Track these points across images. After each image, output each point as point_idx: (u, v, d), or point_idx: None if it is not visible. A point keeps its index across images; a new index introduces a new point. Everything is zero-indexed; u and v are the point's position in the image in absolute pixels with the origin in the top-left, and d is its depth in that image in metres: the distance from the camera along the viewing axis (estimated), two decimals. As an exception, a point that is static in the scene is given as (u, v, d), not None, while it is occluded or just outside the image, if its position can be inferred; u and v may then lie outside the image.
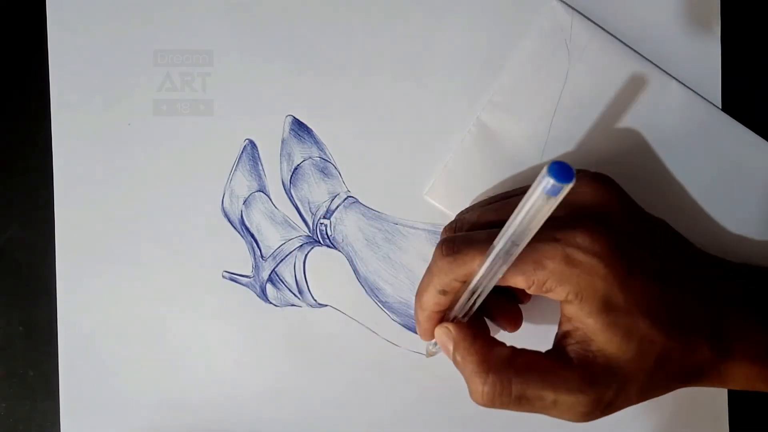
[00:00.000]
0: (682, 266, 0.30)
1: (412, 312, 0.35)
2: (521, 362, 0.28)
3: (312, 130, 0.36)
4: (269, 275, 0.36)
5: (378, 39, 0.36)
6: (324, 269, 0.36)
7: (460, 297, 0.29)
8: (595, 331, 0.27)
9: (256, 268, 0.36)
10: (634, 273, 0.27)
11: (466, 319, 0.30)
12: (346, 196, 0.36)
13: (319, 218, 0.36)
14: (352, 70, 0.36)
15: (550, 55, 0.35)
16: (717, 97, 0.35)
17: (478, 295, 0.28)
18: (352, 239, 0.36)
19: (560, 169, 0.22)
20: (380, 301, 0.36)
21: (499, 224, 0.26)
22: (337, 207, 0.36)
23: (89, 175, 0.36)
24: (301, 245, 0.36)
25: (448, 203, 0.35)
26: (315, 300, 0.36)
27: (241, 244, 0.36)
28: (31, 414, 0.36)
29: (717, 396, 0.35)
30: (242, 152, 0.36)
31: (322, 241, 0.36)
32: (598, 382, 0.27)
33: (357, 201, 0.36)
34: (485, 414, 0.35)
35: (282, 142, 0.36)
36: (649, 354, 0.27)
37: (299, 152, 0.36)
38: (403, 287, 0.35)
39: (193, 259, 0.36)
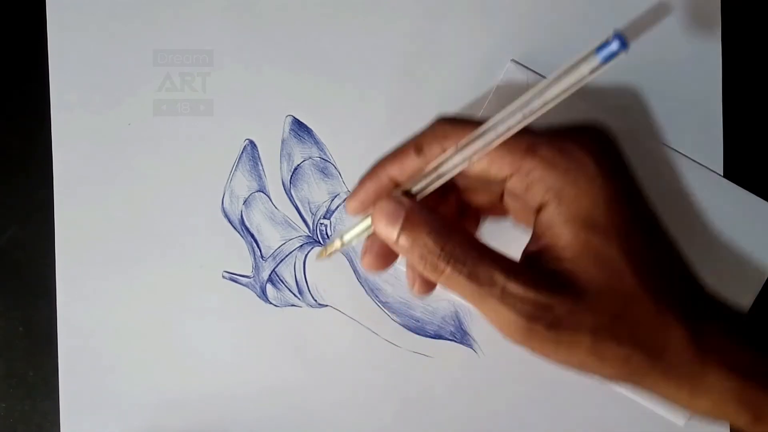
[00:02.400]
0: (670, 243, 0.28)
1: (413, 312, 0.35)
2: (481, 244, 0.26)
3: (312, 130, 0.36)
4: (269, 275, 0.36)
5: (378, 39, 0.36)
6: (324, 269, 0.36)
7: (426, 170, 0.27)
8: (566, 244, 0.25)
9: (256, 268, 0.36)
10: (624, 201, 0.25)
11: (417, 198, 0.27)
12: (346, 197, 0.36)
13: (319, 218, 0.36)
14: (352, 70, 0.36)
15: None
16: (717, 97, 0.35)
17: (452, 170, 0.26)
18: (352, 239, 0.36)
19: (622, 38, 0.21)
20: (380, 301, 0.36)
21: None
22: (338, 207, 0.36)
23: (89, 175, 0.36)
24: (301, 245, 0.36)
25: None
26: (315, 300, 0.36)
27: (241, 244, 0.36)
28: (31, 414, 0.36)
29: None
30: (242, 152, 0.36)
31: (322, 242, 0.36)
32: (555, 290, 0.24)
33: (357, 201, 0.36)
34: (485, 414, 0.35)
35: (282, 142, 0.36)
36: (616, 293, 0.24)
37: (299, 152, 0.36)
38: (403, 287, 0.35)
39: (193, 259, 0.36)
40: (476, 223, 0.32)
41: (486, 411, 0.35)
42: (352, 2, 0.36)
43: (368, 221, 0.28)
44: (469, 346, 0.35)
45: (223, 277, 0.36)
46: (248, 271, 0.36)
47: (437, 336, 0.35)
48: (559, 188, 0.25)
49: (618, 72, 0.35)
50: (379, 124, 0.36)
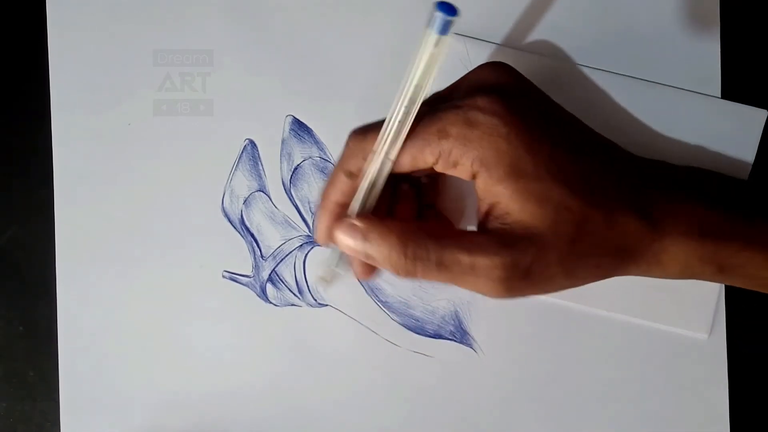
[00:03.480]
0: (599, 146, 0.29)
1: (413, 312, 0.36)
2: (439, 233, 0.28)
3: (312, 130, 0.36)
4: (269, 275, 0.36)
5: (378, 39, 0.36)
6: (324, 269, 0.36)
7: (362, 185, 0.29)
8: (507, 199, 0.27)
9: (256, 268, 0.36)
10: (541, 138, 0.27)
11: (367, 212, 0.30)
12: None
13: (319, 218, 0.36)
14: (352, 70, 0.36)
15: None
16: (717, 97, 0.35)
17: (380, 173, 0.28)
18: (352, 239, 0.36)
19: (447, 5, 0.23)
20: (380, 301, 0.36)
21: None
22: (337, 207, 0.36)
23: (89, 175, 0.36)
24: (301, 245, 0.36)
25: None
26: (315, 300, 0.36)
27: (241, 244, 0.36)
28: (31, 414, 0.36)
29: (717, 396, 0.35)
30: (242, 152, 0.36)
31: (322, 241, 0.36)
32: (515, 246, 0.26)
33: (357, 201, 0.36)
34: (485, 414, 0.35)
35: (282, 142, 0.36)
36: (568, 221, 0.26)
37: (299, 152, 0.36)
38: (403, 287, 0.35)
39: (193, 259, 0.36)
40: (435, 189, 0.34)
41: (485, 410, 0.35)
42: (352, 2, 0.36)
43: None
44: (469, 345, 0.35)
45: (223, 276, 0.36)
46: (248, 271, 0.36)
47: (437, 335, 0.35)
48: (480, 157, 0.27)
49: (617, 72, 0.35)
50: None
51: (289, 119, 0.36)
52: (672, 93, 0.35)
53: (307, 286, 0.36)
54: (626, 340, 0.35)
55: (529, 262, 0.26)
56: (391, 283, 0.36)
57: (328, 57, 0.36)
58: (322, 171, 0.36)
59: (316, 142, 0.36)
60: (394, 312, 0.36)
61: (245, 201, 0.36)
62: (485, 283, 0.27)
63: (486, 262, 0.26)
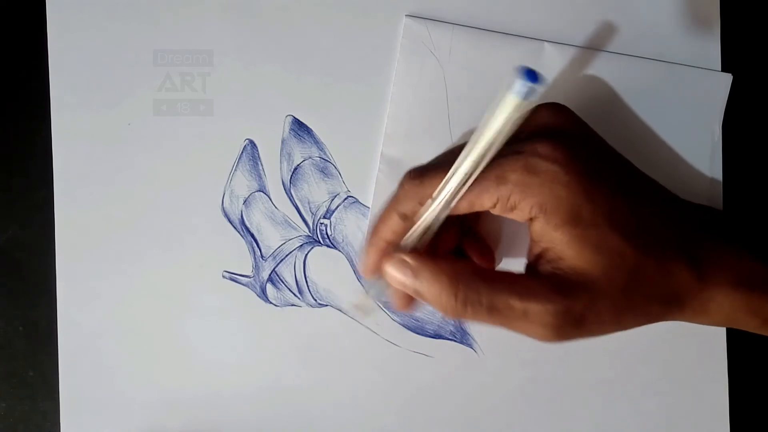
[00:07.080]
0: (651, 191, 0.30)
1: (413, 312, 0.35)
2: (489, 275, 0.28)
3: (312, 130, 0.36)
4: (269, 275, 0.36)
5: (378, 39, 0.36)
6: (324, 269, 0.36)
7: (415, 227, 0.29)
8: (563, 245, 0.27)
9: (256, 268, 0.36)
10: (600, 186, 0.27)
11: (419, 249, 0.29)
12: (346, 196, 0.36)
13: (319, 218, 0.36)
14: (352, 70, 0.36)
15: (420, 68, 0.35)
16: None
17: (436, 219, 0.28)
18: (352, 239, 0.36)
19: (530, 72, 0.22)
20: (380, 301, 0.36)
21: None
22: (337, 207, 0.36)
23: (89, 175, 0.36)
24: (301, 245, 0.36)
25: None
26: (315, 300, 0.36)
27: (241, 244, 0.36)
28: (31, 414, 0.36)
29: (717, 395, 0.35)
30: (242, 152, 0.36)
31: (322, 241, 0.36)
32: (568, 293, 0.26)
33: (357, 201, 0.36)
34: (486, 414, 0.35)
35: (282, 142, 0.36)
36: (621, 269, 0.26)
37: (299, 152, 0.36)
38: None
39: (193, 259, 0.36)
40: (477, 215, 0.33)
41: (486, 410, 0.35)
42: (352, 2, 0.36)
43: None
44: (469, 345, 0.35)
45: (223, 277, 0.36)
46: (248, 271, 0.36)
47: (437, 335, 0.35)
48: (539, 203, 0.27)
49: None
50: (379, 124, 0.36)
51: (289, 119, 0.36)
52: (636, 62, 0.35)
53: (307, 287, 0.36)
54: (626, 339, 0.35)
55: (581, 309, 0.26)
56: (391, 283, 0.36)
57: (327, 57, 0.36)
58: (322, 171, 0.36)
59: (316, 142, 0.36)
60: (394, 312, 0.36)
61: (245, 201, 0.36)
62: (537, 328, 0.27)
63: (539, 309, 0.26)
